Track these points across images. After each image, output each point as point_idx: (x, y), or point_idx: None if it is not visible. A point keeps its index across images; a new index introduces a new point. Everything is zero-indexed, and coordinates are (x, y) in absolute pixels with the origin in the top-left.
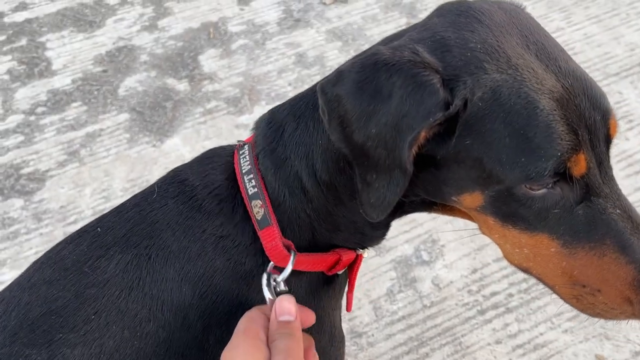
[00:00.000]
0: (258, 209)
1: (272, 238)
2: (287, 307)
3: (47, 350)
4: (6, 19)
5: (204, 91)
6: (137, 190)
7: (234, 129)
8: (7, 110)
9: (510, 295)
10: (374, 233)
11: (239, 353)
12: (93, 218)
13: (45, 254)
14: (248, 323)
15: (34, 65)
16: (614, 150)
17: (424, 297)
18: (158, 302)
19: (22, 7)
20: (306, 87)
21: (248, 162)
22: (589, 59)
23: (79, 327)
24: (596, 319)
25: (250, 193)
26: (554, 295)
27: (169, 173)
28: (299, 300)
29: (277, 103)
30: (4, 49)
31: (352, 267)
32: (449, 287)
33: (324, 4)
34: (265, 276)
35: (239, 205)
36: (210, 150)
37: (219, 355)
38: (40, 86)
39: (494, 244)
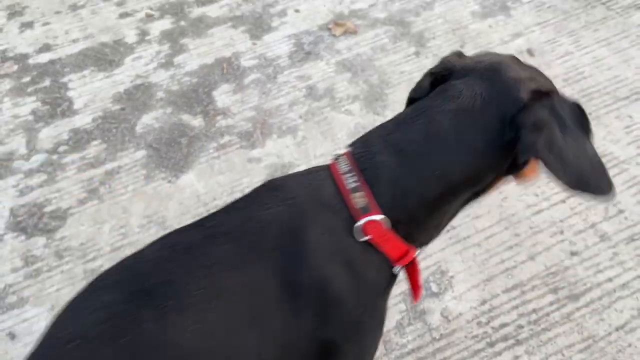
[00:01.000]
0: (358, 199)
1: (377, 227)
2: None
3: (159, 311)
4: (31, 61)
5: (218, 126)
6: (152, 226)
7: (247, 163)
8: (31, 150)
9: (520, 326)
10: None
11: None
12: (112, 255)
13: (158, 240)
14: None
15: (57, 105)
16: (624, 176)
17: (433, 329)
18: (254, 285)
19: (46, 48)
20: (316, 119)
21: (348, 165)
22: (598, 83)
23: (188, 299)
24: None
25: (351, 187)
26: (565, 327)
27: (265, 183)
28: (371, 289)
29: (289, 136)
30: (29, 90)
31: (413, 266)
32: (458, 319)
33: (334, 35)
34: None
35: (343, 208)
36: (309, 168)
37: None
38: (63, 125)
39: (503, 274)
